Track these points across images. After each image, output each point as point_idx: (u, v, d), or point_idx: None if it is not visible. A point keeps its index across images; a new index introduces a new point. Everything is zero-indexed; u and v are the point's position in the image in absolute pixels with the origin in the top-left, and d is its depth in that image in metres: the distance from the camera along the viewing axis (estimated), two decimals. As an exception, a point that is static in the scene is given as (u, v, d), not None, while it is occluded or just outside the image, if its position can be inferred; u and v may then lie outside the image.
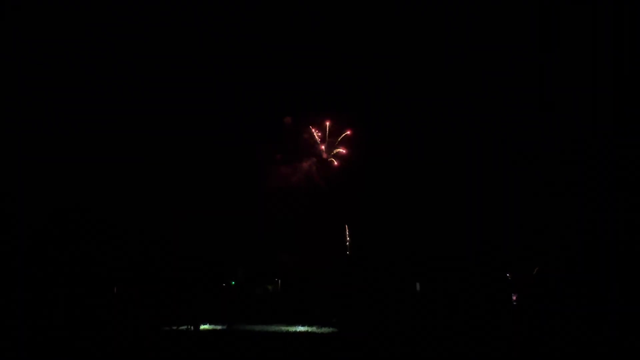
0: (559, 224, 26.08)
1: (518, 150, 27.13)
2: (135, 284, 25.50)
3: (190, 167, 27.17)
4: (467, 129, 27.35)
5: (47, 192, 25.85)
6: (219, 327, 24.83)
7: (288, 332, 24.08)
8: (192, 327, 25.12)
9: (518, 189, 26.90)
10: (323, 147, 27.61)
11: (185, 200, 26.89)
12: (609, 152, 25.68)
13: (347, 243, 27.04)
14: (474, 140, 27.34)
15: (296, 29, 28.66)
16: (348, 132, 28.02)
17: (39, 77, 27.03)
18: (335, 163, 27.88)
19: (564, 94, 26.70)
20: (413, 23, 28.44)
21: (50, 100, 26.98)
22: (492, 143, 27.24)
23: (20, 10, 26.82)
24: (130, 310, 25.18)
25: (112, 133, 27.33)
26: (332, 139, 28.29)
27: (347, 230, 27.25)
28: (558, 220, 26.12)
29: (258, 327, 24.80)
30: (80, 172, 26.52)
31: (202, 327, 24.97)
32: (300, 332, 24.02)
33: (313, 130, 27.60)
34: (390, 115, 27.89)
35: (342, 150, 27.94)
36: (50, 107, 26.94)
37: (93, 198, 26.54)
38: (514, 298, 25.56)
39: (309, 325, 24.83)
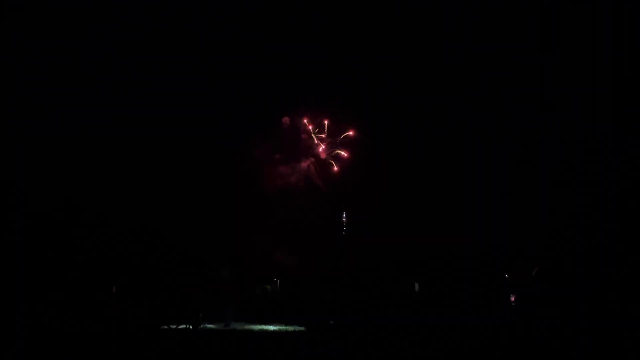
0: (559, 224, 26.02)
1: (518, 150, 27.08)
2: (135, 283, 25.54)
3: (187, 167, 27.16)
4: (466, 129, 27.26)
5: (45, 192, 25.91)
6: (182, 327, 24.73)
7: (274, 332, 24.18)
8: (190, 327, 25.16)
9: (517, 190, 26.85)
10: (321, 148, 27.50)
11: (183, 199, 26.90)
12: (609, 152, 25.63)
13: (346, 243, 26.95)
14: (473, 140, 27.25)
15: (296, 29, 28.65)
16: (350, 133, 27.83)
17: (39, 77, 27.05)
18: (335, 168, 27.69)
19: (564, 94, 26.65)
20: (413, 23, 28.36)
21: (50, 100, 26.99)
22: (492, 143, 27.14)
23: (20, 10, 26.93)
24: (129, 310, 25.24)
25: (110, 133, 27.33)
26: (331, 139, 28.18)
27: (344, 229, 27.15)
28: (557, 221, 26.06)
29: (240, 327, 24.99)
30: (77, 172, 26.55)
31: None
32: (293, 332, 24.05)
33: (310, 127, 27.48)
34: (390, 115, 27.83)
35: (342, 153, 27.76)
36: (49, 107, 26.96)
37: (91, 197, 26.59)
38: (513, 299, 25.52)
39: (304, 325, 24.83)
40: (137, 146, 27.16)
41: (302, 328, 24.63)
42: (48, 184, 25.91)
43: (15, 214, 25.45)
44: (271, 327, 25.00)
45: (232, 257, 26.53)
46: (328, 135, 28.07)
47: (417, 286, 26.73)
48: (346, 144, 28.01)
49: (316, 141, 27.75)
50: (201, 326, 25.11)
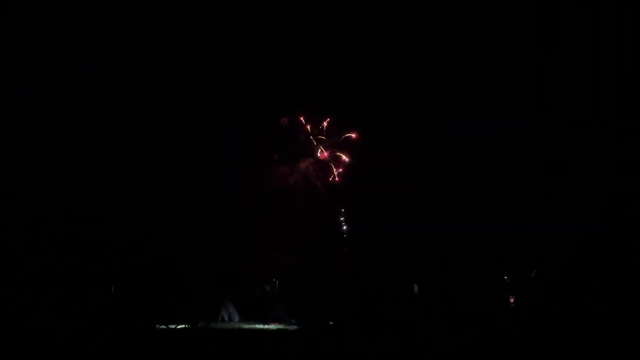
0: (558, 226, 25.93)
1: (517, 150, 27.02)
2: (134, 283, 25.66)
3: (184, 166, 27.21)
4: (466, 128, 27.19)
5: (43, 191, 26.00)
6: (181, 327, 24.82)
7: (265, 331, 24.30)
8: (189, 326, 25.24)
9: (517, 190, 26.78)
10: (320, 150, 27.45)
11: (180, 199, 26.96)
12: (609, 152, 25.59)
13: (345, 243, 26.94)
14: (472, 140, 27.20)
15: (296, 29, 28.63)
16: (353, 135, 27.72)
17: (39, 77, 27.12)
18: (337, 178, 27.59)
19: (564, 94, 26.59)
20: (413, 23, 28.32)
21: (50, 100, 27.06)
22: (491, 143, 27.08)
23: (20, 10, 27.02)
24: (129, 309, 25.34)
25: (109, 132, 27.41)
26: (330, 140, 28.14)
27: (343, 230, 27.14)
28: (557, 222, 25.97)
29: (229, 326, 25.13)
30: (77, 171, 26.63)
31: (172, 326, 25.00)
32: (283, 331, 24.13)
33: (308, 127, 27.46)
34: (389, 114, 27.78)
35: (342, 156, 27.64)
36: (49, 107, 27.01)
37: (89, 197, 26.68)
38: (512, 300, 25.47)
39: (303, 325, 24.85)
40: (135, 146, 27.27)
41: (298, 327, 24.72)
42: (45, 183, 25.99)
43: (15, 213, 25.60)
44: (263, 326, 25.11)
45: (215, 256, 26.55)
46: (327, 136, 28.05)
47: (416, 288, 26.69)
48: (345, 144, 27.98)
49: (315, 143, 27.71)
50: (199, 326, 25.19)
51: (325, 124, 27.87)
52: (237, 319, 26.29)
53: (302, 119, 27.77)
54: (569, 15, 26.50)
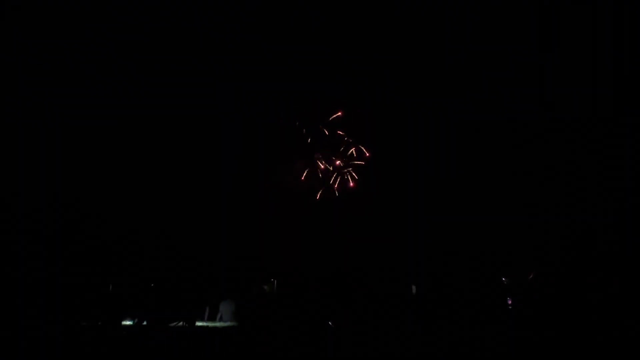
0: (557, 227, 25.87)
1: (516, 151, 26.94)
2: (132, 281, 25.77)
3: (183, 166, 27.29)
4: (465, 128, 27.15)
5: (42, 191, 26.13)
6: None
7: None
8: (186, 324, 25.31)
9: (516, 190, 26.70)
10: (317, 153, 27.47)
11: (178, 198, 27.04)
12: (609, 152, 25.54)
13: (343, 243, 26.92)
14: (472, 140, 27.15)
15: (296, 29, 28.63)
16: (367, 155, 27.71)
17: (39, 77, 27.24)
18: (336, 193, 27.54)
19: (564, 94, 26.53)
20: (413, 23, 28.28)
21: (49, 100, 27.18)
22: (490, 143, 27.02)
23: (20, 10, 27.14)
24: (126, 307, 25.45)
25: (110, 133, 27.50)
26: (329, 141, 28.16)
27: (341, 229, 27.14)
28: (556, 224, 25.91)
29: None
30: (76, 171, 26.74)
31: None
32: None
33: (304, 130, 27.49)
34: (388, 114, 27.76)
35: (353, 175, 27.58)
36: (49, 107, 27.13)
37: (90, 197, 26.80)
38: (510, 302, 25.38)
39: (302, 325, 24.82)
40: (134, 145, 27.33)
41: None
42: (45, 183, 26.10)
43: (15, 213, 25.74)
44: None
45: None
46: (325, 137, 28.07)
47: (414, 288, 26.64)
48: (341, 143, 27.99)
49: (313, 146, 27.74)
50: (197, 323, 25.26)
51: (321, 127, 27.88)
52: (233, 318, 26.27)
53: (298, 123, 27.78)
54: (569, 15, 26.44)
